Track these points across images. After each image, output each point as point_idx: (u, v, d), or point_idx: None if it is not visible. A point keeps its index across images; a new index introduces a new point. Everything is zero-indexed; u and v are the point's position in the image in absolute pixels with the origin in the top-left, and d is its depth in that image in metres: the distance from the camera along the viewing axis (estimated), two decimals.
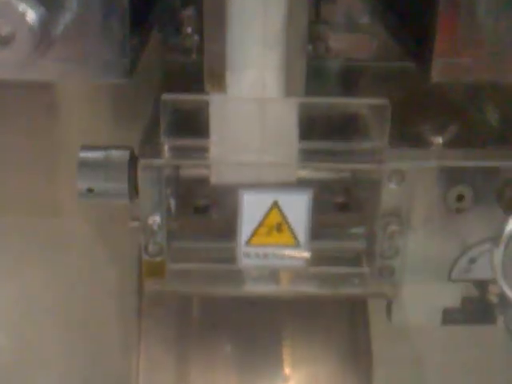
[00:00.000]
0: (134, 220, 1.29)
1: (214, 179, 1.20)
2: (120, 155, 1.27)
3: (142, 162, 1.15)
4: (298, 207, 1.15)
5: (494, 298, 1.27)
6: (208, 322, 1.67)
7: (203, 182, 1.21)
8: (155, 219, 1.17)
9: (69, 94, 1.66)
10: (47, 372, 1.91)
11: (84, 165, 1.27)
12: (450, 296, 1.27)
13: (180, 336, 1.66)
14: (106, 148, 1.28)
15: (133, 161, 1.25)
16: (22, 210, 1.75)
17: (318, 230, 1.23)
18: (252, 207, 1.16)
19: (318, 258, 1.29)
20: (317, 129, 1.18)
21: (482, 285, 1.29)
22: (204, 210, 1.24)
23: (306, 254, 1.18)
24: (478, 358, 1.85)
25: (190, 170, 1.29)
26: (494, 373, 1.85)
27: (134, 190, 1.29)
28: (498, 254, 1.09)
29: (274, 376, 1.64)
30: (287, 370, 1.64)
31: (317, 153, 1.12)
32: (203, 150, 1.13)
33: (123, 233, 1.66)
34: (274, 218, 1.17)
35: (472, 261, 1.23)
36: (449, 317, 1.30)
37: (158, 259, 1.23)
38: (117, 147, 1.28)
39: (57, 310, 1.85)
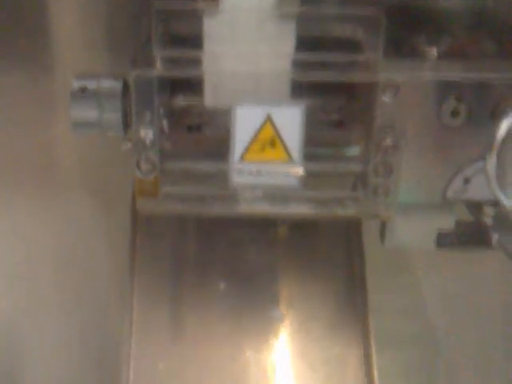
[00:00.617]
0: (127, 141, 1.29)
1: (209, 99, 1.19)
2: (113, 84, 1.27)
3: (133, 73, 1.14)
4: (291, 121, 1.15)
5: (488, 220, 1.26)
6: (203, 261, 1.66)
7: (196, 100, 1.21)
8: (147, 133, 1.16)
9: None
10: (45, 319, 1.90)
11: (77, 94, 1.27)
12: (445, 218, 1.26)
13: (174, 274, 1.66)
14: (98, 77, 1.27)
15: (126, 90, 1.25)
16: (15, 150, 1.74)
17: (312, 150, 1.23)
18: (245, 122, 1.15)
19: (312, 181, 1.29)
20: (310, 46, 1.17)
21: (477, 207, 1.28)
22: (197, 129, 1.23)
23: (300, 171, 1.18)
24: (475, 282, 1.83)
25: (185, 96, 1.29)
26: (491, 295, 1.84)
27: (127, 121, 1.29)
28: (492, 161, 1.08)
29: (270, 314, 1.64)
30: (283, 308, 1.64)
31: (311, 65, 1.12)
32: (196, 62, 1.13)
33: (120, 178, 1.67)
34: (268, 132, 1.16)
35: (466, 181, 1.22)
36: (443, 240, 1.29)
37: (151, 177, 1.22)
38: (110, 76, 1.28)
39: (55, 257, 1.84)
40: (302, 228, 1.67)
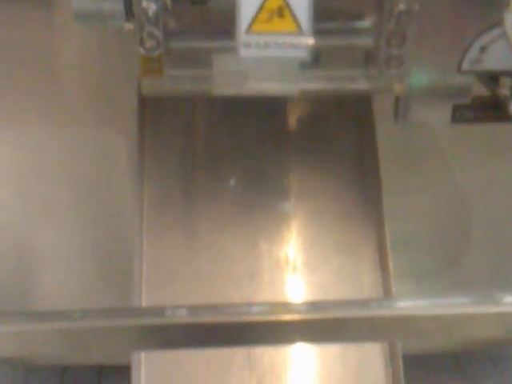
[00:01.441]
0: (129, 23, 1.25)
1: None
2: None
3: None
4: None
5: (505, 91, 1.22)
6: (212, 157, 1.63)
7: None
8: (150, 5, 1.12)
9: None
10: (56, 226, 1.89)
11: None
12: (461, 92, 1.22)
13: (184, 171, 1.63)
14: None
15: None
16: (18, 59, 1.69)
17: (322, 24, 1.18)
18: None
19: (323, 60, 1.25)
20: None
21: (493, 79, 1.24)
22: (201, 1, 1.18)
23: (310, 42, 1.13)
24: (490, 184, 1.80)
25: None
26: (506, 197, 1.80)
27: (129, 10, 1.24)
28: (510, 20, 1.04)
29: (282, 207, 1.61)
30: (294, 201, 1.61)
31: None
32: None
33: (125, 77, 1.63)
34: (275, 1, 1.12)
35: (483, 49, 1.17)
36: (459, 115, 1.25)
37: (155, 55, 1.18)
38: None
39: (63, 159, 1.81)
40: (312, 121, 1.63)
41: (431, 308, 0.95)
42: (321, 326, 0.93)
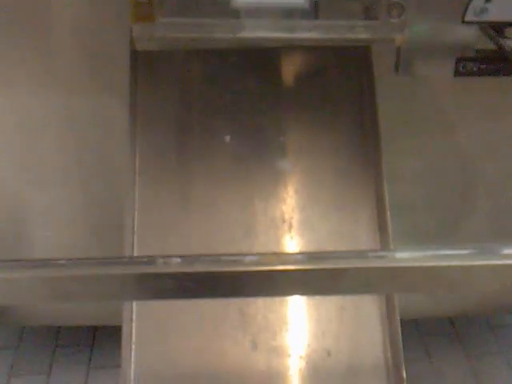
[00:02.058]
0: None
1: None
2: None
3: None
4: None
5: (511, 43, 1.19)
6: (207, 111, 1.59)
7: None
8: None
9: None
10: (49, 184, 1.86)
11: None
12: (464, 43, 1.19)
13: (177, 127, 1.58)
14: None
15: None
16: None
17: None
18: None
19: (322, 8, 1.21)
20: None
21: (498, 31, 1.20)
22: None
23: None
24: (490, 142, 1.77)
25: None
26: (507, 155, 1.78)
27: None
28: None
29: (278, 165, 1.58)
30: (292, 158, 1.58)
31: None
32: None
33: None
34: None
35: None
36: (462, 68, 1.22)
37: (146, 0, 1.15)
38: None
39: (56, 112, 1.78)
40: (310, 76, 1.59)
41: (430, 259, 0.93)
42: (316, 277, 0.91)
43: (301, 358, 1.47)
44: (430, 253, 0.93)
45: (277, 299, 1.50)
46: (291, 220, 1.55)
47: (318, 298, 1.51)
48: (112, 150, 1.72)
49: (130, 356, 1.44)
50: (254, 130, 1.59)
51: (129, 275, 0.91)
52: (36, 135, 1.79)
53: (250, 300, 1.50)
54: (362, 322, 1.48)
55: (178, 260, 0.91)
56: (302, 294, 1.01)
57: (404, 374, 1.37)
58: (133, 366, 1.44)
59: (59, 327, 2.35)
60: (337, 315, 1.48)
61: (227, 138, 1.58)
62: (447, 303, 2.02)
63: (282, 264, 0.91)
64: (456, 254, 0.94)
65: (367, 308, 1.49)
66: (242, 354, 1.45)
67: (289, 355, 1.47)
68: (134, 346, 1.46)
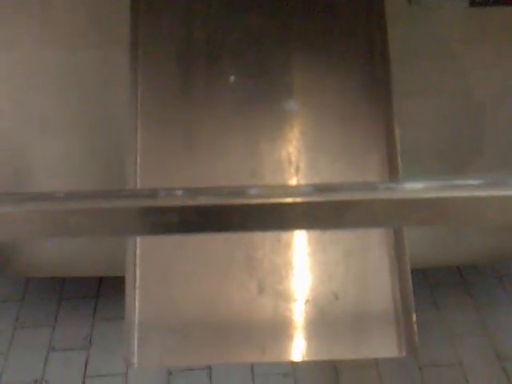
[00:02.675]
0: None
1: None
2: None
3: None
4: None
5: None
6: (211, 50, 1.54)
7: None
8: None
9: None
10: (52, 133, 1.83)
11: None
12: None
13: (182, 65, 1.54)
14: None
15: None
16: None
17: None
18: None
19: None
20: None
21: None
22: None
23: None
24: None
25: None
26: None
27: None
28: None
29: (285, 106, 1.54)
30: (298, 100, 1.54)
31: None
32: None
33: None
34: None
35: None
36: None
37: None
38: None
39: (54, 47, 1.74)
40: (317, 13, 1.54)
41: (441, 190, 0.89)
42: (324, 210, 0.87)
43: (308, 301, 1.45)
44: (441, 184, 0.90)
45: (283, 243, 1.47)
46: (298, 162, 1.51)
47: (324, 241, 1.48)
48: (115, 96, 1.68)
49: (134, 301, 1.42)
50: (259, 70, 1.54)
51: (130, 208, 0.87)
52: (37, 85, 1.75)
53: (257, 244, 1.47)
54: (370, 265, 1.45)
55: (181, 193, 0.88)
56: (309, 227, 0.98)
57: (414, 317, 1.35)
58: (137, 310, 1.42)
59: (64, 280, 2.34)
60: (344, 259, 1.46)
61: (232, 79, 1.54)
62: (455, 252, 2.00)
63: (289, 196, 0.88)
64: (468, 184, 0.90)
65: (375, 251, 1.46)
66: (248, 299, 1.43)
67: (295, 299, 1.44)
68: (137, 291, 1.43)
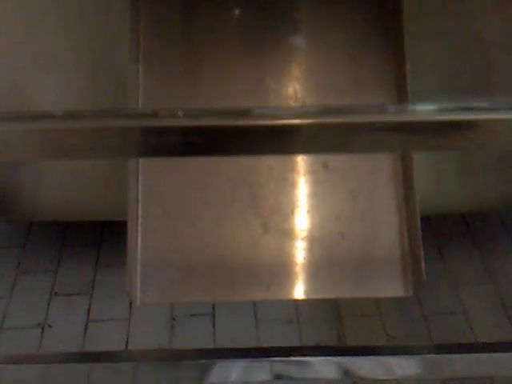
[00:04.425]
0: None
1: None
2: None
3: None
4: None
5: None
6: None
7: None
8: None
9: None
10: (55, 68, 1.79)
11: None
12: None
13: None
14: None
15: None
16: None
17: None
18: None
19: None
20: None
21: None
22: None
23: None
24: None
25: None
26: None
27: None
28: None
29: (291, 41, 1.49)
30: (306, 35, 1.49)
31: None
32: None
33: None
34: None
35: None
36: None
37: None
38: None
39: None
40: None
41: (453, 113, 0.86)
42: (331, 132, 0.84)
43: (313, 240, 1.43)
44: (452, 106, 0.86)
45: (289, 182, 1.44)
46: (304, 99, 1.47)
47: (331, 180, 1.45)
48: (117, 30, 1.63)
49: (137, 238, 1.40)
50: (266, 5, 1.49)
51: (131, 128, 0.84)
52: (36, 21, 1.71)
53: (261, 183, 1.44)
54: (378, 204, 1.43)
55: (183, 113, 0.85)
56: (315, 151, 0.95)
57: (422, 254, 1.32)
58: (139, 247, 1.40)
59: (66, 227, 2.33)
60: (351, 198, 1.43)
61: (237, 12, 1.49)
62: (461, 198, 1.97)
63: (295, 117, 0.85)
64: (481, 106, 0.86)
65: (383, 190, 1.43)
66: (252, 237, 1.40)
67: (301, 238, 1.42)
68: (140, 228, 1.41)
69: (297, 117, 0.84)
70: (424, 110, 0.85)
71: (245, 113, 0.83)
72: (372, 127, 0.84)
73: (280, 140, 0.84)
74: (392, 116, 0.85)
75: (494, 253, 2.25)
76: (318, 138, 0.84)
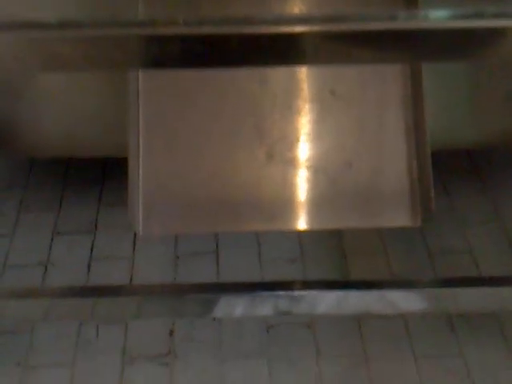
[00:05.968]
0: None
1: None
2: None
3: None
4: None
5: None
6: None
7: None
8: None
9: None
10: None
11: None
12: None
13: None
14: None
15: None
16: None
17: None
18: None
19: None
20: None
21: None
22: None
23: None
24: None
25: None
26: None
27: None
28: None
29: None
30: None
31: None
32: None
33: None
34: None
35: None
36: None
37: None
38: None
39: None
40: None
41: (468, 20, 0.82)
42: (338, 41, 0.80)
43: (319, 170, 1.39)
44: (466, 11, 0.82)
45: (294, 110, 1.40)
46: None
47: (337, 108, 1.40)
48: None
49: (138, 168, 1.36)
50: None
51: (128, 37, 0.80)
52: None
53: (266, 112, 1.40)
54: (386, 133, 1.38)
55: (183, 21, 0.81)
56: (322, 61, 0.91)
57: (431, 182, 1.28)
58: (141, 178, 1.37)
59: (68, 165, 2.30)
60: (358, 126, 1.39)
61: None
62: (469, 133, 1.93)
63: (300, 24, 0.80)
64: (497, 13, 0.82)
65: (391, 118, 1.39)
66: (256, 166, 1.37)
67: (307, 167, 1.38)
68: (141, 159, 1.37)
69: (301, 23, 0.80)
70: (435, 17, 0.81)
71: (247, 20, 0.79)
72: (380, 35, 0.80)
73: (284, 49, 0.80)
74: (402, 23, 0.81)
75: (500, 191, 2.22)
76: (324, 47, 0.80)
